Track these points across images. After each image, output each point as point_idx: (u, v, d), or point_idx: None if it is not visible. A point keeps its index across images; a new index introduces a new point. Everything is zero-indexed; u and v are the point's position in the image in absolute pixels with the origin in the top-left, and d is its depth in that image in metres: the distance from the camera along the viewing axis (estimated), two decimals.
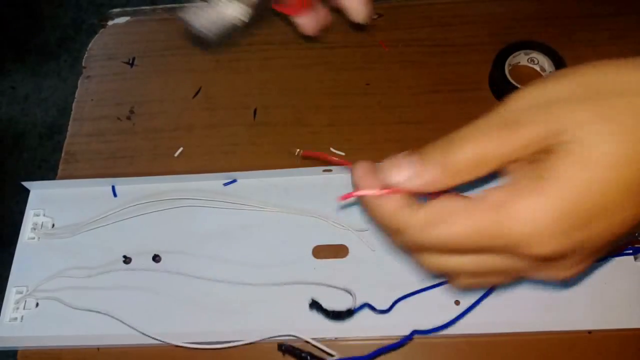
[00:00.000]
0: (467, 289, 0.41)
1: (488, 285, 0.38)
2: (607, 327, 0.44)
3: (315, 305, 0.45)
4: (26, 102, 1.59)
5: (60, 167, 0.56)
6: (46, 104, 1.58)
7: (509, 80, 0.53)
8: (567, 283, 0.44)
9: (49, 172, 1.50)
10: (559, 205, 0.28)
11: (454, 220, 0.29)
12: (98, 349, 0.47)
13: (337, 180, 0.51)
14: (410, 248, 0.32)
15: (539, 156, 0.29)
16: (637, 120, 0.28)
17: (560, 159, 0.28)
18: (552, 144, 0.28)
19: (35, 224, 0.52)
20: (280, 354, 0.44)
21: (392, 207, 0.31)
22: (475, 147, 0.29)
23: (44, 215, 0.53)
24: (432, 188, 0.30)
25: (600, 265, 0.46)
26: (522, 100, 0.30)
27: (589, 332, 0.44)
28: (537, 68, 0.55)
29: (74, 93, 0.61)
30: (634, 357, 0.44)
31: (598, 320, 0.44)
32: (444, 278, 0.44)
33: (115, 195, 0.52)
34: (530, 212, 0.28)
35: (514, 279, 0.33)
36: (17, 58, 1.64)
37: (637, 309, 0.44)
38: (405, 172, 0.30)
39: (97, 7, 1.66)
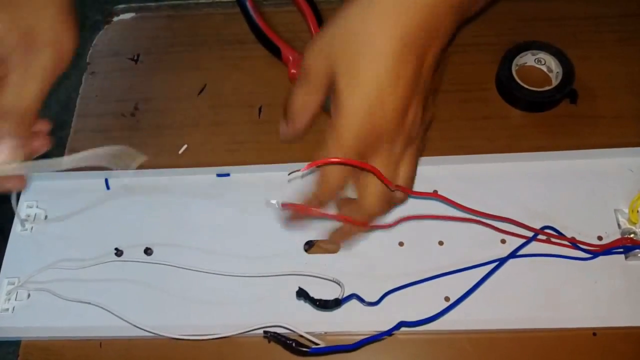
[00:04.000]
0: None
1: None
2: (601, 325, 0.44)
3: (302, 293, 0.45)
4: None
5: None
6: (49, 99, 1.57)
7: (516, 81, 0.53)
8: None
9: None
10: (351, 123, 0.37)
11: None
12: (100, 343, 0.47)
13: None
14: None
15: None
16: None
17: (340, 93, 0.37)
18: (335, 83, 0.38)
19: (28, 215, 0.52)
20: (270, 345, 0.45)
21: None
22: (297, 99, 0.41)
23: (37, 207, 0.53)
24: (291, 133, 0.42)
25: (592, 263, 0.46)
26: (308, 55, 0.39)
27: (585, 329, 0.44)
28: (544, 69, 0.55)
29: (78, 89, 0.60)
30: (626, 355, 0.44)
31: (590, 317, 0.44)
32: None
33: (108, 188, 0.52)
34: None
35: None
36: None
37: (629, 307, 0.44)
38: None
39: (101, 4, 1.65)
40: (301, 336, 0.43)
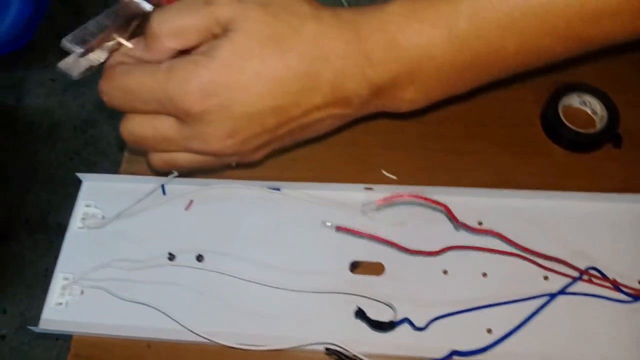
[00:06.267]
0: (161, 167, 0.44)
1: (178, 166, 0.43)
2: None
3: (360, 313, 0.47)
4: (64, 94, 1.63)
5: (123, 165, 0.58)
6: (83, 98, 1.61)
7: (561, 120, 0.55)
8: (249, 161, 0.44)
9: (80, 164, 1.53)
10: (206, 76, 0.36)
11: (132, 72, 0.38)
12: (149, 344, 0.49)
13: (378, 197, 0.52)
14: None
15: (218, 36, 0.37)
16: (291, 37, 0.36)
17: (223, 41, 0.36)
18: (228, 28, 0.36)
19: (86, 214, 0.55)
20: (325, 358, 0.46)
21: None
22: (175, 20, 0.37)
23: (94, 206, 0.55)
24: (150, 55, 0.39)
25: (633, 307, 0.47)
26: None
27: None
28: (589, 111, 0.57)
29: None
30: None
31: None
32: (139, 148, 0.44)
33: (164, 193, 0.55)
34: (184, 75, 0.36)
35: (194, 155, 0.41)
36: (59, 51, 1.67)
37: None
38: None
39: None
40: (356, 356, 0.45)
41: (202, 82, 0.36)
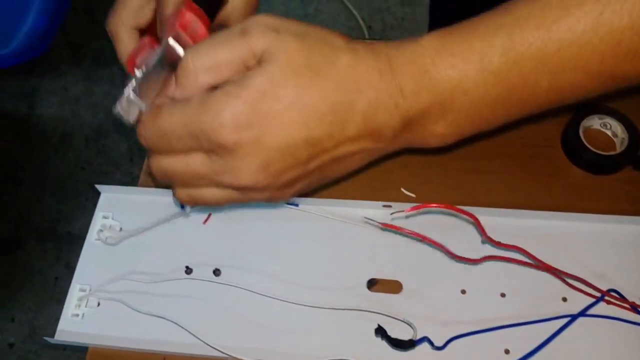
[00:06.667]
0: (187, 202, 0.42)
1: (204, 202, 0.41)
2: None
3: (380, 331, 0.47)
4: (77, 104, 1.64)
5: (141, 177, 0.58)
6: (96, 108, 1.62)
7: (582, 142, 0.54)
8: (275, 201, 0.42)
9: (91, 174, 1.54)
10: (238, 106, 0.35)
11: (165, 113, 0.37)
12: (164, 357, 0.49)
13: (396, 215, 0.52)
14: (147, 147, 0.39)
15: (251, 67, 0.36)
16: (326, 68, 0.36)
17: (257, 71, 0.35)
18: (263, 59, 0.35)
19: (104, 225, 0.55)
20: None
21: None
22: (210, 54, 0.36)
23: (112, 218, 0.55)
24: (183, 93, 0.37)
25: None
26: (260, 20, 0.36)
27: None
28: (609, 133, 0.57)
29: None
30: None
31: None
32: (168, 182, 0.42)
33: (182, 207, 0.54)
34: (216, 107, 0.35)
35: (222, 190, 0.39)
36: (73, 61, 1.69)
37: None
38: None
39: None
40: None
41: (235, 113, 0.35)
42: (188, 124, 0.36)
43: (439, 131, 0.40)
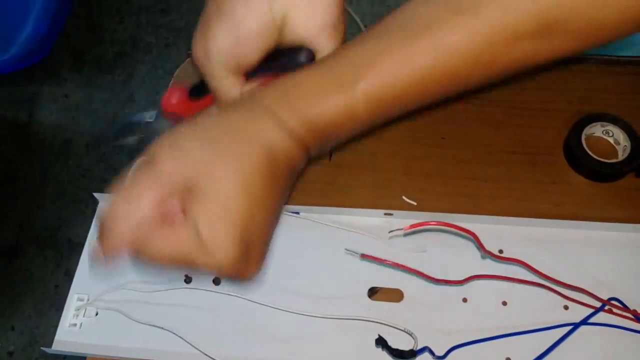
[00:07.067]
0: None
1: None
2: None
3: (381, 341, 0.46)
4: (77, 111, 1.63)
5: None
6: (96, 115, 1.62)
7: (584, 149, 0.54)
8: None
9: (92, 181, 1.53)
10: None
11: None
12: None
13: (397, 224, 0.52)
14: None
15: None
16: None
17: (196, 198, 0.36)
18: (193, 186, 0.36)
19: None
20: None
21: None
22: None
23: None
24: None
25: None
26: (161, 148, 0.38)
27: None
28: (611, 140, 0.56)
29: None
30: None
31: None
32: None
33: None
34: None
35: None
36: (73, 67, 1.69)
37: None
38: None
39: (155, 28, 1.71)
40: None
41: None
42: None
43: None
